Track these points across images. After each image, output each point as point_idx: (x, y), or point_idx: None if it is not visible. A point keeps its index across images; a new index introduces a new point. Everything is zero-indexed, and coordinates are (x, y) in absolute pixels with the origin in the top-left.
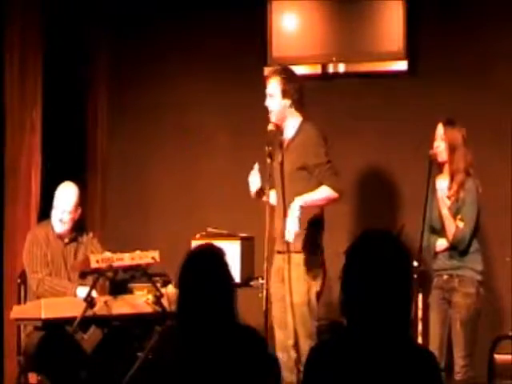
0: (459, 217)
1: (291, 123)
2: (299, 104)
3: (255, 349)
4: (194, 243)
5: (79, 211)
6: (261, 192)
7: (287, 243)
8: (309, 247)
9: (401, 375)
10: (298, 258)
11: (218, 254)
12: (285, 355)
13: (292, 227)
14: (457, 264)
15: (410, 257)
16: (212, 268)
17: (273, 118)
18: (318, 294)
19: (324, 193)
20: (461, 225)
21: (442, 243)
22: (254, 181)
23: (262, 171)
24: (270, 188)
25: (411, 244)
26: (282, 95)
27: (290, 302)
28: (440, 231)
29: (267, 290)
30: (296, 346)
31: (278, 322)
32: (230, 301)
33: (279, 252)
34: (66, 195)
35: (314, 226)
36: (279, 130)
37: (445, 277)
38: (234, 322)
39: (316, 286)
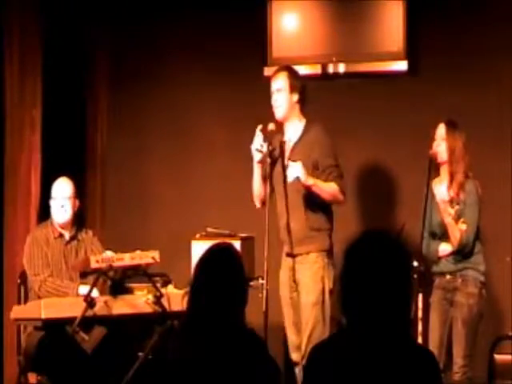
0: (462, 220)
1: (294, 123)
2: (303, 104)
3: (256, 352)
4: (194, 243)
5: (77, 203)
6: (265, 161)
7: (298, 246)
8: (323, 247)
9: (401, 375)
10: (314, 258)
11: (236, 255)
12: (298, 356)
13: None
14: (461, 266)
15: (409, 256)
16: (230, 268)
17: (279, 114)
18: (331, 293)
19: (333, 189)
20: (463, 227)
21: (445, 248)
22: (257, 141)
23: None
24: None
25: (411, 243)
26: (290, 90)
27: (305, 301)
28: (441, 236)
29: (267, 290)
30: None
31: (290, 324)
32: (242, 303)
33: (289, 255)
34: (64, 184)
35: (328, 226)
36: (281, 130)
37: (447, 277)
38: (239, 324)
39: (329, 285)
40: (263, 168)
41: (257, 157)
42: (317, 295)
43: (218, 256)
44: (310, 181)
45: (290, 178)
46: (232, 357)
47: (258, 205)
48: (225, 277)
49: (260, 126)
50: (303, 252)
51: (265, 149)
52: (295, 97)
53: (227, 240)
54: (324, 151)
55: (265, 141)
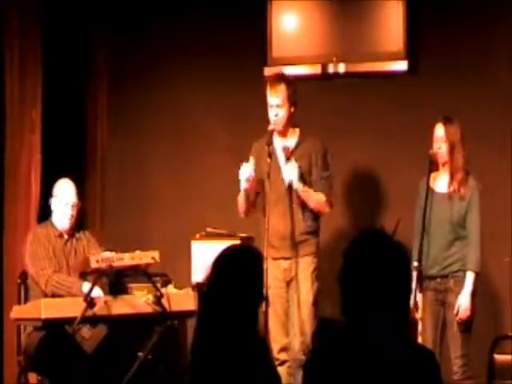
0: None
1: (290, 134)
2: (295, 114)
3: (258, 360)
4: (194, 243)
5: (80, 204)
6: (251, 182)
7: (296, 248)
8: (316, 249)
9: (401, 374)
10: (310, 261)
11: (259, 259)
12: (285, 355)
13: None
14: (451, 269)
15: (408, 255)
16: (252, 270)
17: (279, 127)
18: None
19: (320, 200)
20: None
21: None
22: (246, 170)
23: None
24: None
25: (408, 241)
26: (289, 103)
27: (304, 300)
28: (433, 234)
29: (267, 289)
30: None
31: (278, 325)
32: (257, 306)
33: (285, 258)
34: (71, 188)
35: (318, 229)
36: (270, 139)
37: (438, 279)
38: (252, 328)
39: (318, 287)
40: (248, 192)
41: (244, 184)
42: (314, 295)
43: (242, 257)
44: (301, 186)
45: (286, 179)
46: (234, 362)
47: (242, 215)
48: (246, 279)
49: (252, 160)
50: (300, 255)
51: (252, 173)
52: (293, 108)
53: (227, 240)
54: (320, 163)
55: (254, 169)
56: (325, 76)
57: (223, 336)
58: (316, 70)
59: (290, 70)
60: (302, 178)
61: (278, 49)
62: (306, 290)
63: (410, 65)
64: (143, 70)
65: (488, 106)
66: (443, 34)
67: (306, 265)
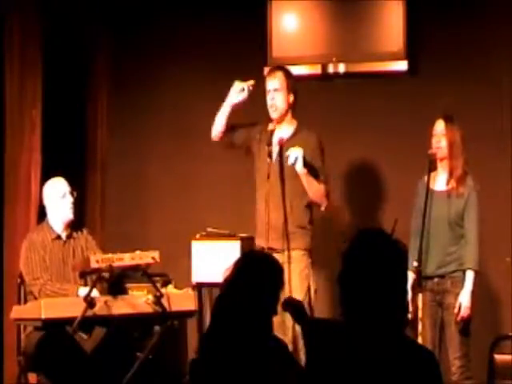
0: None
1: (287, 125)
2: (295, 107)
3: (276, 363)
4: (194, 243)
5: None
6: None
7: (287, 240)
8: (309, 246)
9: (401, 375)
10: (300, 256)
11: (280, 271)
12: None
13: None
14: (447, 269)
15: (406, 255)
16: (271, 281)
17: (276, 114)
18: (315, 293)
19: (321, 188)
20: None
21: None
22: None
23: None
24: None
25: (406, 241)
26: (288, 90)
27: None
28: (432, 233)
29: None
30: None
31: (276, 325)
32: (272, 312)
33: (276, 250)
34: (62, 181)
35: (309, 226)
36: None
37: (435, 279)
38: (267, 332)
39: (314, 285)
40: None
41: (228, 104)
42: (304, 294)
43: (265, 266)
44: (304, 170)
45: (290, 162)
46: (252, 365)
47: (214, 137)
48: (266, 289)
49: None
50: (290, 248)
51: (246, 92)
52: (291, 97)
53: (227, 240)
54: (315, 153)
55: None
56: (325, 76)
57: (236, 339)
58: (316, 70)
59: None
60: (305, 163)
61: (277, 49)
62: (294, 290)
63: (410, 65)
64: (143, 70)
65: (488, 106)
66: (443, 34)
67: (294, 263)
